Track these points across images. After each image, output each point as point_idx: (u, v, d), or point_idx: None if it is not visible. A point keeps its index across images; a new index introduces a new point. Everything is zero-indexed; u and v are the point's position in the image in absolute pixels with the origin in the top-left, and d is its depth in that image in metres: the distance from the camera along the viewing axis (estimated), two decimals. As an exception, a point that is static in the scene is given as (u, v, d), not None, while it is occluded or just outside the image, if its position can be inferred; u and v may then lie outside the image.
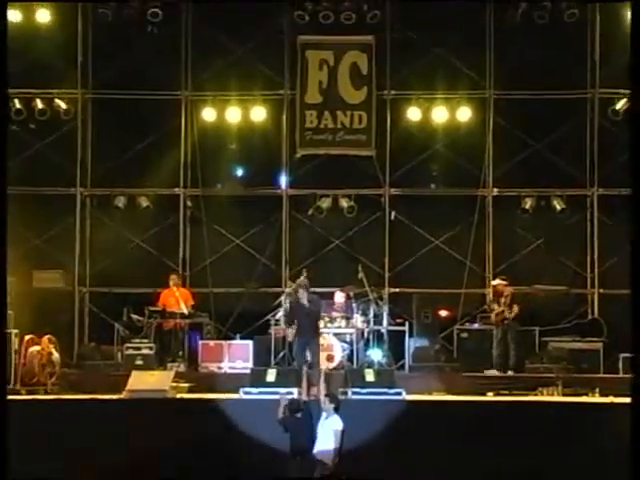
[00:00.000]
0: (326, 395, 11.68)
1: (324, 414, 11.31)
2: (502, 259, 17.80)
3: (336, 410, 11.30)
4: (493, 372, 15.56)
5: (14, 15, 17.49)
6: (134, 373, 13.97)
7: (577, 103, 17.87)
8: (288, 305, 15.00)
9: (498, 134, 17.92)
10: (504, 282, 16.31)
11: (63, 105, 17.97)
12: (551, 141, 17.72)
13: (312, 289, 14.34)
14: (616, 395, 13.72)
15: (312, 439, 11.14)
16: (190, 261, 18.20)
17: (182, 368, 15.54)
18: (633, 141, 8.65)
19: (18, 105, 17.75)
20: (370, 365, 15.09)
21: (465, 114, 17.95)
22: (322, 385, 12.21)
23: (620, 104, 17.54)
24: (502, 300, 15.98)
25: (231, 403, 13.04)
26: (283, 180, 18.35)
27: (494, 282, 16.62)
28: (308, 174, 18.25)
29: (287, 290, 16.15)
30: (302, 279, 14.60)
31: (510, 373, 15.51)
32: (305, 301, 14.02)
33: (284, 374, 13.92)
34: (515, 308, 15.84)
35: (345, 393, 13.55)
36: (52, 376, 14.76)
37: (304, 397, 12.21)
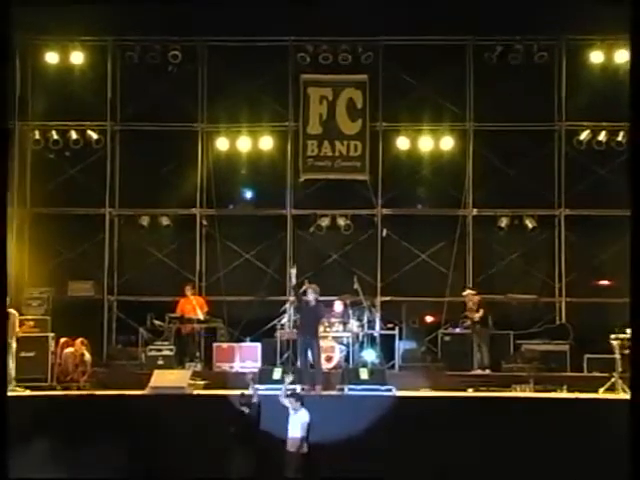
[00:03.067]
0: (292, 394, 11.69)
1: (291, 411, 11.41)
2: (480, 271, 17.80)
3: (302, 405, 11.43)
4: (478, 371, 15.64)
5: (52, 57, 17.70)
6: (156, 372, 13.98)
7: (546, 134, 17.92)
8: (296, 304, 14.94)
9: (477, 161, 17.96)
10: (472, 292, 16.43)
11: (94, 135, 18.02)
12: (524, 167, 17.73)
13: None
14: (581, 391, 13.77)
15: (258, 431, 11.27)
16: (206, 273, 18.18)
17: (198, 368, 15.56)
18: (632, 164, 8.41)
19: (55, 136, 17.85)
20: (364, 365, 15.07)
21: (448, 143, 18.00)
22: (288, 385, 12.04)
23: (584, 135, 17.67)
24: (471, 307, 16.15)
25: (242, 399, 13.03)
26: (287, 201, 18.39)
27: (464, 293, 16.65)
28: (310, 196, 18.28)
29: (291, 299, 16.20)
30: (314, 285, 14.51)
31: (488, 372, 15.59)
32: (312, 300, 14.03)
33: (288, 373, 13.92)
34: (480, 312, 15.97)
35: (342, 389, 13.61)
36: (84, 374, 14.79)
37: (311, 393, 12.18)
